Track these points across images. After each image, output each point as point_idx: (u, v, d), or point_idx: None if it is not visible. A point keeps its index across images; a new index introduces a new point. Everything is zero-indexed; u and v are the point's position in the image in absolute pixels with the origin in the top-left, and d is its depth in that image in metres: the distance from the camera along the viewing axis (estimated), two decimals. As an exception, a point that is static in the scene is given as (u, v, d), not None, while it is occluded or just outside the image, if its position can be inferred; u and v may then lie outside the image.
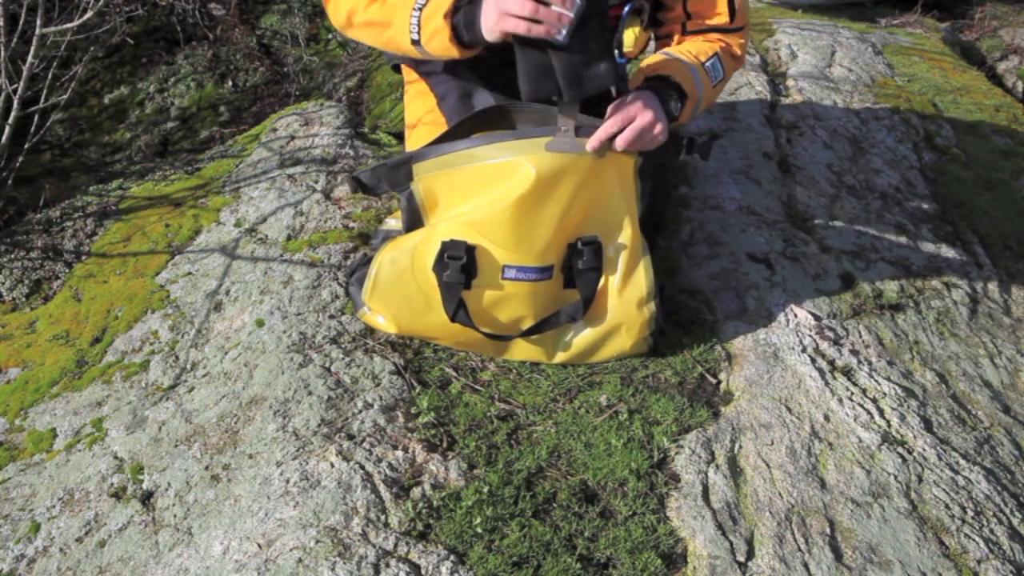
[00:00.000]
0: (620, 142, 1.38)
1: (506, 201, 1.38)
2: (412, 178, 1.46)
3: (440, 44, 1.33)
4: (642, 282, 1.49)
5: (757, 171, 2.19)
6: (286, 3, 3.42)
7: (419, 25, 1.33)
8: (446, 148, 1.43)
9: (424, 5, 1.32)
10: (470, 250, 1.40)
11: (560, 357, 1.55)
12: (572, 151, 1.38)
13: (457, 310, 1.43)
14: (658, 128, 1.38)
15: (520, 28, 1.23)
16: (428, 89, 1.69)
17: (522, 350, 1.55)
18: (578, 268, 1.45)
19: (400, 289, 1.49)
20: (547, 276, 1.45)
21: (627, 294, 1.48)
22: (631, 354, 1.56)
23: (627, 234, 1.49)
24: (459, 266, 1.39)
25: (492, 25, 1.26)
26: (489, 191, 1.41)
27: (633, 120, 1.37)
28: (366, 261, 1.57)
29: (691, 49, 1.57)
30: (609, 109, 1.40)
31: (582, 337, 1.52)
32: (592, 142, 1.37)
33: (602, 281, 1.48)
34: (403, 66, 1.79)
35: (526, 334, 1.47)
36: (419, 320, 1.51)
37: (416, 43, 1.36)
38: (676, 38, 1.63)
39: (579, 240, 1.44)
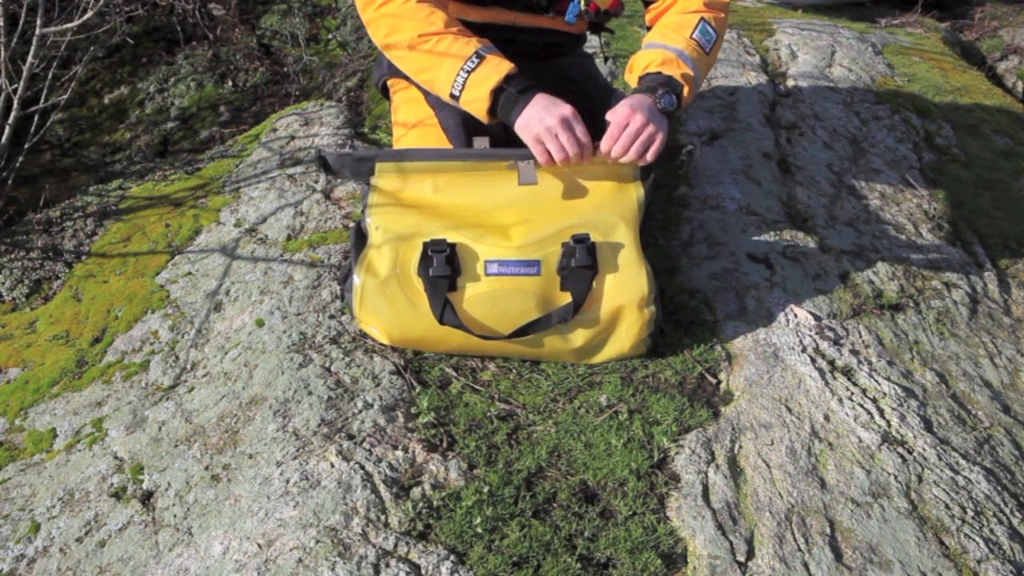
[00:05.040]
0: (616, 152, 1.45)
1: (473, 186, 1.50)
2: (374, 172, 1.54)
3: (476, 108, 1.46)
4: (643, 284, 1.48)
5: (757, 171, 2.19)
6: (286, 3, 3.42)
7: (464, 86, 1.44)
8: (412, 154, 1.54)
9: (473, 69, 1.43)
10: (451, 247, 1.45)
11: (558, 358, 1.55)
12: (531, 183, 1.50)
13: (444, 310, 1.43)
14: (650, 129, 1.44)
15: (542, 158, 1.44)
16: (421, 96, 1.72)
17: (517, 353, 1.54)
18: (571, 266, 1.45)
19: (387, 300, 1.48)
20: (533, 272, 1.45)
21: (627, 295, 1.48)
22: (630, 355, 1.56)
23: (625, 235, 1.49)
24: (444, 258, 1.43)
25: (523, 136, 1.43)
26: (457, 185, 1.52)
27: (626, 128, 1.43)
28: (350, 268, 1.56)
29: (673, 26, 1.61)
30: (608, 117, 1.45)
31: (580, 338, 1.50)
32: (599, 154, 1.46)
33: (600, 282, 1.47)
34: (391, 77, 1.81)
35: (515, 335, 1.45)
36: (410, 330, 1.50)
37: (455, 98, 1.47)
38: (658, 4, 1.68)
39: (572, 237, 1.46)
